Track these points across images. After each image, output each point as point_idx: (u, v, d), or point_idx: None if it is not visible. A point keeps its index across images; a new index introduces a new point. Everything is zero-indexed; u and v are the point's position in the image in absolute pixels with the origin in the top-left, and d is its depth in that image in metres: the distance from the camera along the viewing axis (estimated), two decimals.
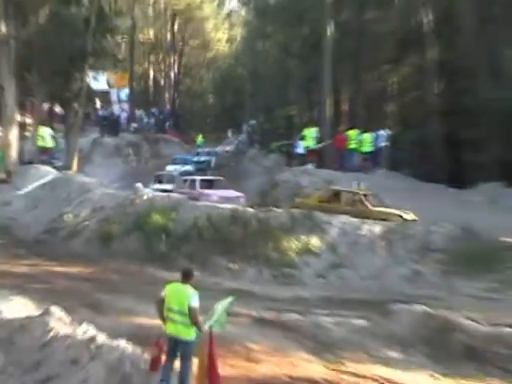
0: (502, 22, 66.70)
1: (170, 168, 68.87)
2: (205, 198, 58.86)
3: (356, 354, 29.84)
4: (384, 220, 50.26)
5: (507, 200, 57.02)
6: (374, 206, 53.60)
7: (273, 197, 58.01)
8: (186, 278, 21.45)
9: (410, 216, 51.40)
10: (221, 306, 21.50)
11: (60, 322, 23.98)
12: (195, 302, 20.49)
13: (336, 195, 55.61)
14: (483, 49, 68.59)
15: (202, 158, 76.04)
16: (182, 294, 20.98)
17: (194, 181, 65.29)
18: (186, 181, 65.92)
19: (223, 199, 59.43)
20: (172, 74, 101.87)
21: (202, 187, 63.95)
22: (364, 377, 27.17)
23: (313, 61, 75.06)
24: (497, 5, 68.57)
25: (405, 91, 77.43)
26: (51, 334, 22.88)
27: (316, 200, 55.33)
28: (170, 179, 65.23)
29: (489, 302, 39.26)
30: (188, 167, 69.21)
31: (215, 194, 62.12)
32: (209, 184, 65.09)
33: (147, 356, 20.89)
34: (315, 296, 39.55)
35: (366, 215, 51.42)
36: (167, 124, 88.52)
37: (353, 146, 67.41)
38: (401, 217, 51.20)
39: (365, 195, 54.18)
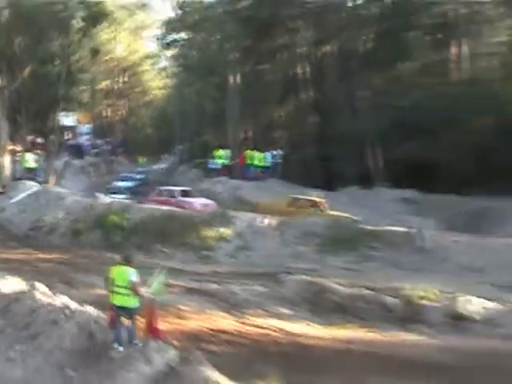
0: (357, 72, 68.49)
1: (116, 183, 67.77)
2: (187, 206, 55.91)
3: (257, 311, 31.44)
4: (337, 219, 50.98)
5: (362, 199, 58.26)
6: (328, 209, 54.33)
7: None
8: (127, 261, 21.96)
9: (356, 218, 52.10)
10: (157, 278, 21.98)
11: (44, 295, 24.97)
12: (135, 278, 21.25)
13: (297, 201, 55.60)
14: (344, 91, 69.98)
15: (140, 176, 75.58)
16: (125, 273, 21.63)
17: (173, 191, 60.53)
18: (163, 191, 61.33)
19: (202, 206, 56.93)
20: (122, 113, 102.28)
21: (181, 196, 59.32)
22: (263, 327, 28.40)
23: (222, 102, 75.35)
24: (354, 60, 70.01)
25: (290, 122, 77.82)
26: (38, 303, 23.46)
27: (284, 206, 54.92)
28: (120, 191, 64.19)
29: (351, 271, 40.62)
30: (129, 183, 68.21)
31: (196, 201, 58.23)
32: (185, 193, 60.42)
33: (106, 317, 21.26)
34: (227, 270, 40.88)
35: (323, 216, 51.87)
36: (119, 150, 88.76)
37: (250, 162, 67.70)
38: (350, 217, 52.21)
39: (321, 202, 55.18)
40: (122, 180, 70.28)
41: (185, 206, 55.30)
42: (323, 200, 54.95)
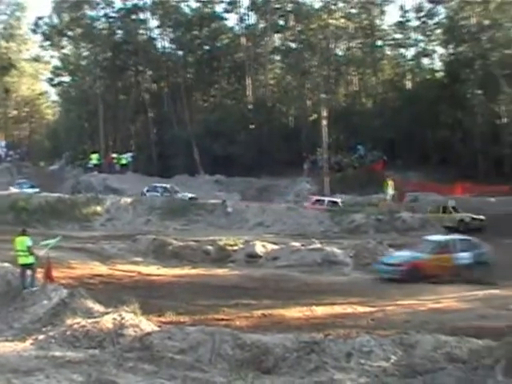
0: (182, 97, 68.45)
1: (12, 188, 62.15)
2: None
3: (121, 260, 31.55)
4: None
5: (189, 183, 59.38)
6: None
7: (82, 188, 56.67)
8: (24, 232, 21.99)
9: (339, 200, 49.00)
10: (51, 241, 22.17)
11: None
12: (30, 243, 21.23)
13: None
14: (173, 110, 70.40)
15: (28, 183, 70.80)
16: (23, 241, 21.49)
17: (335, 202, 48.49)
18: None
19: None
20: (25, 133, 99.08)
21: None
22: (125, 271, 28.85)
23: (94, 121, 74.14)
24: (180, 90, 70.12)
25: (140, 133, 77.13)
26: None
27: None
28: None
29: (183, 231, 41.40)
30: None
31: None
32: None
33: (19, 270, 21.16)
34: (101, 235, 40.79)
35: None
36: (26, 157, 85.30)
37: (115, 161, 67.09)
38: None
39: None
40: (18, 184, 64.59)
41: None
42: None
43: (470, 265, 27.35)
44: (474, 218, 42.85)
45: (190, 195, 51.07)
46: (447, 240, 29.22)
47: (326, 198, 49.07)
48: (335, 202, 47.85)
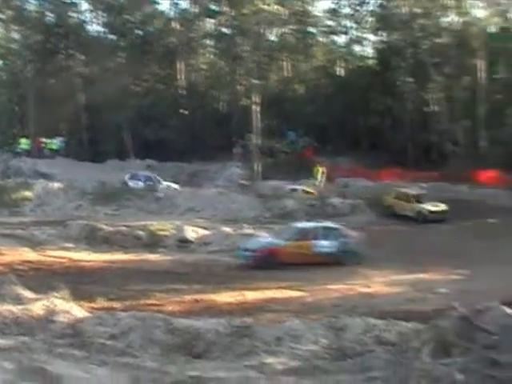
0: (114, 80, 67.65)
1: None
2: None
3: (52, 246, 31.11)
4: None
5: (120, 168, 58.31)
6: None
7: (11, 174, 55.27)
8: None
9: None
10: None
11: None
12: None
13: None
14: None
15: None
16: None
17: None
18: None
19: None
20: None
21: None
22: (56, 257, 28.57)
23: (24, 106, 72.65)
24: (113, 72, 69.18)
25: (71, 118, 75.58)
26: None
27: None
28: None
29: (114, 216, 41.01)
30: None
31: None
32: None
33: None
34: (31, 220, 39.62)
35: None
36: None
37: (44, 146, 65.99)
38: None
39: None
40: None
41: None
42: None
43: (332, 253, 27.74)
44: (433, 211, 41.62)
45: (173, 185, 49.82)
46: (307, 228, 29.56)
47: (299, 187, 48.07)
48: (308, 192, 46.65)
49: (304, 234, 28.48)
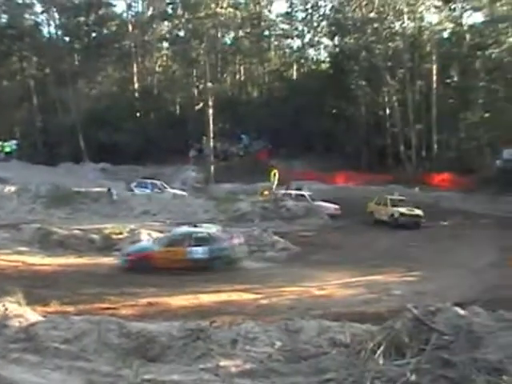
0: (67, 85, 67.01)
1: None
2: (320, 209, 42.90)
3: (5, 250, 30.72)
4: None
5: (74, 171, 57.51)
6: None
7: None
8: None
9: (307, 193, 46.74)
10: None
11: None
12: None
13: None
14: (59, 98, 68.87)
15: None
16: None
17: (303, 195, 44.98)
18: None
19: (336, 210, 43.87)
20: None
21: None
22: (10, 261, 28.06)
23: None
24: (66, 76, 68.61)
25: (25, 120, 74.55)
26: None
27: None
28: None
29: (68, 219, 40.53)
30: None
31: (329, 206, 44.00)
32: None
33: None
34: None
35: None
36: None
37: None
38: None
39: None
40: None
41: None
42: None
43: (204, 259, 27.59)
44: (404, 214, 40.45)
45: (181, 193, 49.00)
46: (180, 234, 29.41)
47: (293, 192, 47.05)
48: (303, 195, 45.59)
49: (177, 241, 28.54)
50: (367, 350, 10.32)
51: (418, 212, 40.93)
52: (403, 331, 10.71)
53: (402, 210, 40.85)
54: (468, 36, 63.52)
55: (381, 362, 9.82)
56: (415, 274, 26.31)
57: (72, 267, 27.36)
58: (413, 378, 9.02)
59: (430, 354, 9.83)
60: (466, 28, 64.39)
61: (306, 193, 46.66)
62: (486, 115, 59.89)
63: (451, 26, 65.01)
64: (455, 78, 66.04)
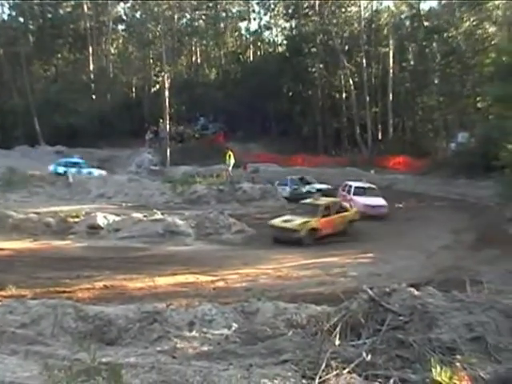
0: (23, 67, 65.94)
1: None
2: (353, 204, 36.57)
3: None
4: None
5: (30, 154, 57.00)
6: None
7: None
8: None
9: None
10: None
11: None
12: None
13: None
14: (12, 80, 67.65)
15: None
16: None
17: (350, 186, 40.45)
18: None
19: (368, 207, 36.70)
20: None
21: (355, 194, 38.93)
22: None
23: None
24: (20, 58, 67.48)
25: None
26: None
27: None
28: None
29: (24, 203, 39.67)
30: None
31: (363, 201, 37.55)
32: (362, 191, 39.68)
33: None
34: None
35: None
36: None
37: None
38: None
39: None
40: None
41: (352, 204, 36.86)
42: None
43: None
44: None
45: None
46: None
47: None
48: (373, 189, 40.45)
49: None
50: (323, 331, 10.37)
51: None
52: (359, 312, 10.80)
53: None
54: (424, 20, 64.03)
55: (337, 342, 9.88)
56: (370, 256, 26.56)
57: (28, 251, 26.95)
58: (368, 358, 9.10)
59: (385, 335, 9.93)
60: (422, 12, 64.93)
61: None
62: (442, 99, 60.59)
63: (408, 9, 65.63)
64: (411, 62, 66.59)
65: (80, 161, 49.73)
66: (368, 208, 36.52)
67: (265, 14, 77.76)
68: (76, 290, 19.90)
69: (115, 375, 7.02)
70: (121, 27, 79.41)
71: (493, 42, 57.19)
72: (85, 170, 48.61)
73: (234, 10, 79.69)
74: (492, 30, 59.71)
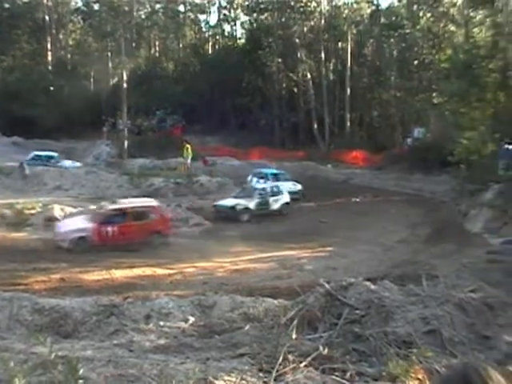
0: None
1: None
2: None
3: None
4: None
5: None
6: None
7: None
8: None
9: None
10: None
11: None
12: None
13: None
14: None
15: None
16: None
17: None
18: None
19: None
20: None
21: None
22: None
23: None
24: None
25: None
26: None
27: None
28: None
29: None
30: None
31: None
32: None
33: None
34: None
35: None
36: None
37: None
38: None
39: None
40: None
41: None
42: None
43: None
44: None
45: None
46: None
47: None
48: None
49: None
50: (280, 325, 10.39)
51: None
52: (316, 306, 10.83)
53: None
54: (383, 16, 64.46)
55: (294, 336, 9.89)
56: (327, 250, 26.71)
57: None
58: (325, 351, 9.11)
59: (342, 328, 9.97)
60: (381, 8, 65.42)
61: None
62: (398, 94, 61.10)
63: (368, 5, 66.15)
64: (369, 58, 66.99)
65: (54, 155, 48.79)
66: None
67: (224, 7, 77.60)
68: (32, 283, 19.72)
69: (72, 369, 6.92)
70: (79, 18, 78.59)
71: (449, 40, 57.87)
72: (66, 163, 47.48)
73: (192, 2, 79.37)
74: (448, 27, 60.32)
